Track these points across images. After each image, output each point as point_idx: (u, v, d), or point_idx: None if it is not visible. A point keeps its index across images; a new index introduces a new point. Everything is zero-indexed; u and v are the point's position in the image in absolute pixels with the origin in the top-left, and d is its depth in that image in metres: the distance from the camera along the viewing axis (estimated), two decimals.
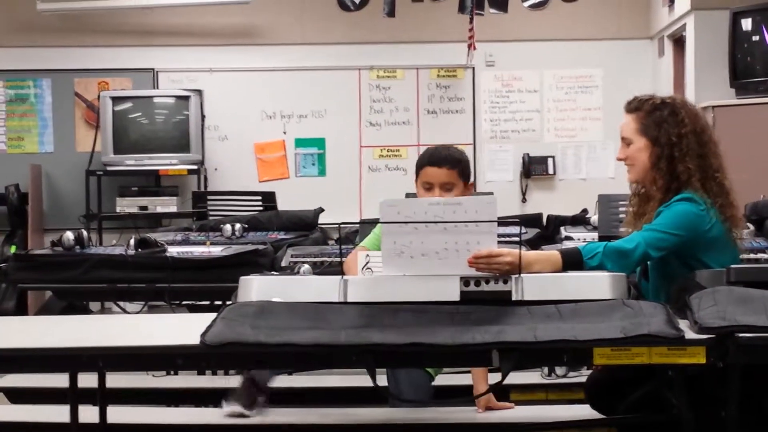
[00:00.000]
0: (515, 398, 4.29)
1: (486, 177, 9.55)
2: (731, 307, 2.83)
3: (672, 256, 3.38)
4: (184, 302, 5.43)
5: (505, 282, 3.06)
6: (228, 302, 3.25)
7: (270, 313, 2.99)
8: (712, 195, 3.44)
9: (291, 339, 2.84)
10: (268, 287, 3.19)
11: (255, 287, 3.21)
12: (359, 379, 4.10)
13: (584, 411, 3.80)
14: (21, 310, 5.90)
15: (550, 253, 3.32)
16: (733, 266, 3.19)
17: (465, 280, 3.06)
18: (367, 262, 3.27)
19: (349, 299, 3.09)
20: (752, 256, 4.85)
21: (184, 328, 3.18)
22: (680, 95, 5.50)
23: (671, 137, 3.45)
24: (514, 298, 3.04)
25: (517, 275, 3.06)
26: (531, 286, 3.06)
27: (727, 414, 2.93)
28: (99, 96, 9.11)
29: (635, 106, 3.55)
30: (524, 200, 9.52)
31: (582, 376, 4.05)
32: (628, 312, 2.89)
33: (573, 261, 3.26)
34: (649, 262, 3.47)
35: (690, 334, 2.80)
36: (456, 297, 3.05)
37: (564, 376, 4.57)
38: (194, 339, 2.85)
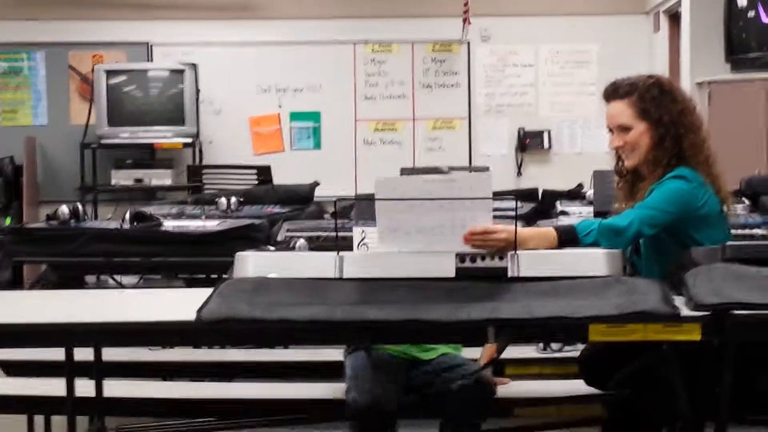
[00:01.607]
0: (510, 373, 4.29)
1: (481, 150, 9.54)
2: (727, 284, 2.83)
3: (664, 234, 3.36)
4: (180, 275, 5.43)
5: (501, 258, 3.06)
6: (224, 276, 3.24)
7: (266, 289, 2.99)
8: (703, 170, 3.42)
9: (287, 315, 2.84)
10: (264, 263, 3.18)
11: (251, 263, 3.20)
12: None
13: (579, 386, 3.81)
14: (16, 282, 5.91)
15: (546, 230, 3.32)
16: (728, 243, 3.19)
17: (461, 257, 3.06)
18: (363, 238, 3.26)
19: (345, 275, 3.08)
20: (747, 232, 4.84)
21: (180, 303, 3.18)
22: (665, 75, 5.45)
23: (672, 115, 3.42)
24: (509, 275, 3.04)
25: (512, 252, 3.06)
26: (526, 263, 3.05)
27: (720, 390, 2.94)
28: (93, 69, 9.08)
29: (626, 91, 3.46)
30: (519, 174, 9.52)
31: (577, 350, 4.05)
32: (623, 289, 2.89)
33: (568, 238, 3.26)
34: (640, 240, 3.46)
35: (685, 311, 2.80)
36: (452, 273, 3.05)
37: (559, 351, 4.57)
38: (190, 315, 2.85)
